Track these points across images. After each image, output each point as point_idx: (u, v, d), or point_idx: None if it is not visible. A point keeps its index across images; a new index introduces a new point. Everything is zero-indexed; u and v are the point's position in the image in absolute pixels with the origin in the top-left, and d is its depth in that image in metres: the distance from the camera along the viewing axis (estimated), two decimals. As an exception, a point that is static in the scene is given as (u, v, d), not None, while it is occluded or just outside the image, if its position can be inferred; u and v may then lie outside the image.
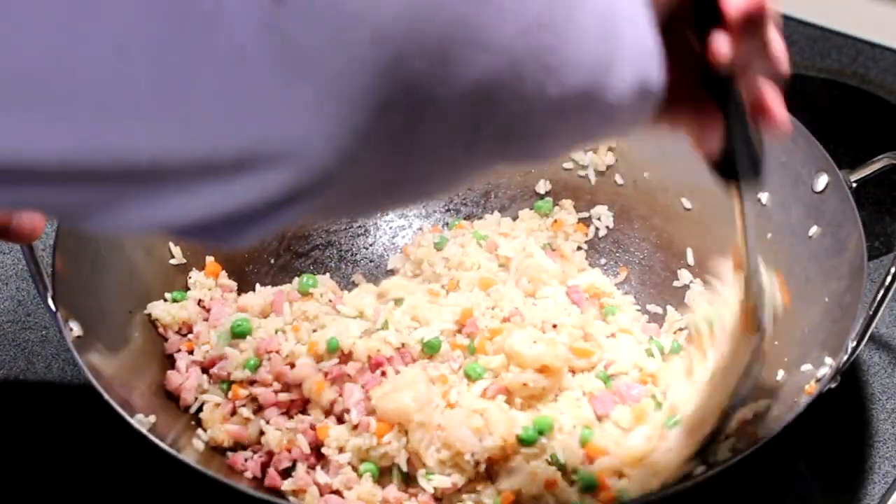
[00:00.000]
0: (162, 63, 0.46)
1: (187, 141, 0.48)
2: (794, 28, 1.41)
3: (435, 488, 0.91)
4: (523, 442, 0.92)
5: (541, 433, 0.93)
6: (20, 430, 1.02)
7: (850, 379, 1.06)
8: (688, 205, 1.11)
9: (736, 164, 0.72)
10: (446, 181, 0.60)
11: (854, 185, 1.01)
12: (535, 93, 0.56)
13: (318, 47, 0.47)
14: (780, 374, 0.96)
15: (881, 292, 0.91)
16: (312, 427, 0.95)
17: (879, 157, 1.01)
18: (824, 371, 0.91)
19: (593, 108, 0.59)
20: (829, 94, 1.33)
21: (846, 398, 1.05)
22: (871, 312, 0.91)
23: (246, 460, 0.95)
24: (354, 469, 0.93)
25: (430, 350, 0.97)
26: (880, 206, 1.20)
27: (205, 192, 0.49)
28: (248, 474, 0.94)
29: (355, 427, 0.93)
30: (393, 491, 0.92)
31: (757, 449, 0.87)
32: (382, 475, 0.94)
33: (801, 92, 1.32)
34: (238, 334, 0.99)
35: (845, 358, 0.91)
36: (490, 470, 0.93)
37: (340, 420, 0.95)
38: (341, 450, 0.93)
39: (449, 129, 0.54)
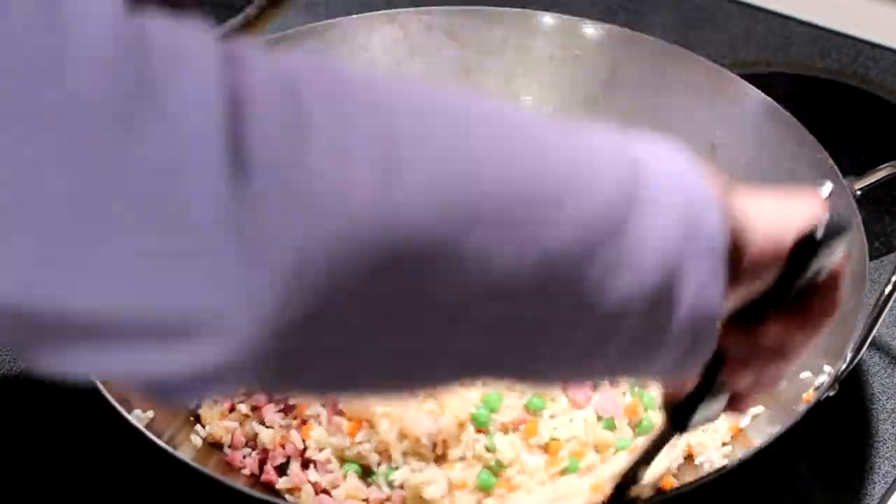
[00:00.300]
0: (115, 224, 0.46)
1: (118, 303, 0.47)
2: (794, 28, 1.41)
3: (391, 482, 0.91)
4: (476, 420, 0.92)
5: (492, 411, 0.93)
6: (19, 429, 1.02)
7: (851, 380, 1.06)
8: None
9: (687, 422, 0.73)
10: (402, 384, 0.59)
11: (859, 193, 1.01)
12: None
13: (274, 234, 0.47)
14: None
15: (881, 301, 0.91)
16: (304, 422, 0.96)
17: (882, 166, 1.01)
18: (822, 379, 0.91)
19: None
20: (829, 94, 1.33)
21: (847, 399, 1.04)
22: (870, 321, 0.91)
23: (244, 457, 0.95)
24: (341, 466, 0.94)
25: None
26: (880, 206, 1.19)
27: (129, 354, 0.48)
28: (246, 471, 0.94)
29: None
30: (375, 490, 0.92)
31: (756, 452, 0.87)
32: (369, 472, 0.94)
33: (801, 92, 1.32)
34: None
35: (843, 366, 0.91)
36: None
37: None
38: (321, 450, 0.94)
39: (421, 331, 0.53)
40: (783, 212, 0.64)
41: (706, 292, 0.57)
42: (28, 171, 0.45)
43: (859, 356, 0.91)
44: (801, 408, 0.89)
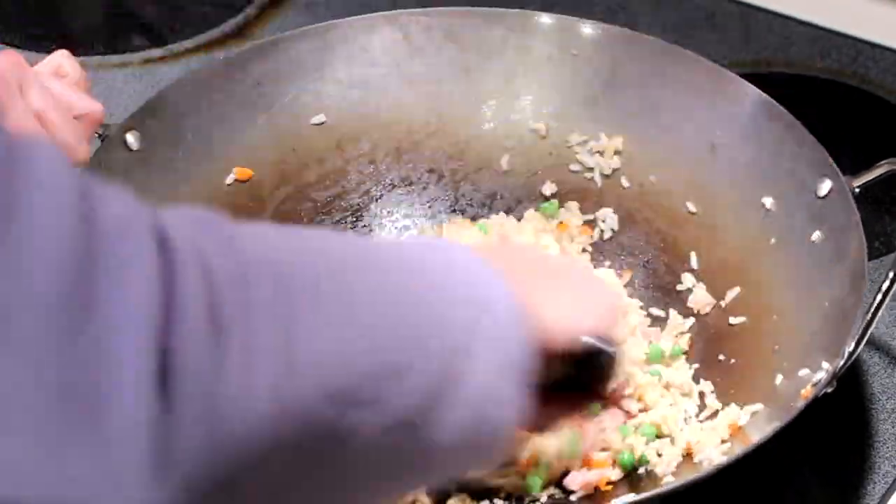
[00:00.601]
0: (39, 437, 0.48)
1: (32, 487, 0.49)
2: (794, 28, 1.41)
3: None
4: None
5: None
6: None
7: (850, 380, 1.06)
8: (693, 208, 1.11)
9: None
10: None
11: (857, 190, 1.01)
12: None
13: (186, 448, 0.50)
14: (779, 379, 0.96)
15: (878, 297, 0.91)
16: None
17: (881, 163, 1.01)
18: (821, 375, 0.91)
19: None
20: (829, 94, 1.33)
21: (846, 399, 1.04)
22: (868, 317, 0.91)
23: None
24: None
25: None
26: (880, 206, 1.20)
27: None
28: None
29: None
30: None
31: (756, 448, 0.87)
32: None
33: (801, 92, 1.33)
34: None
35: (842, 363, 0.91)
36: None
37: None
38: None
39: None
40: (573, 315, 0.73)
41: (511, 408, 0.65)
42: None
43: (857, 352, 0.91)
44: (800, 404, 0.89)
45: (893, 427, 1.03)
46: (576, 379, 0.74)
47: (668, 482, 0.92)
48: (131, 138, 1.05)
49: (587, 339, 0.73)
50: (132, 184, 1.01)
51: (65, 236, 0.48)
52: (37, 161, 0.49)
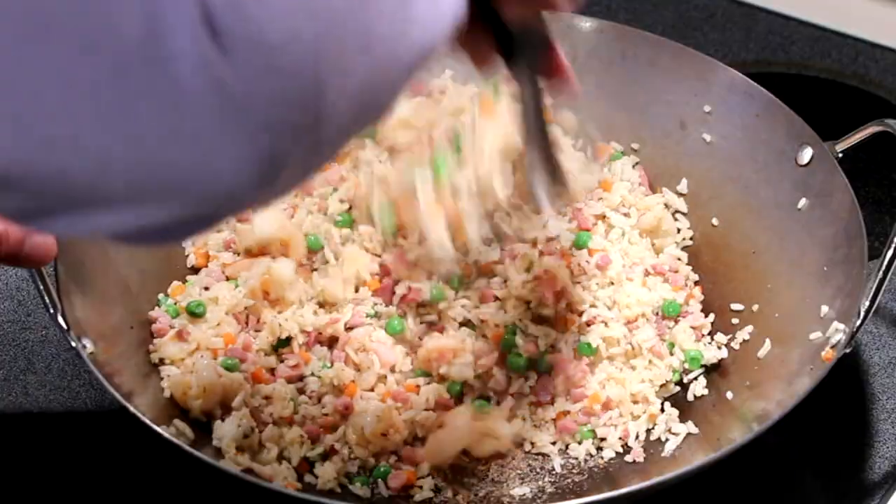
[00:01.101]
0: (104, 97, 0.49)
1: (118, 169, 0.51)
2: (794, 28, 1.41)
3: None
4: None
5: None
6: (20, 431, 1.02)
7: (850, 379, 1.06)
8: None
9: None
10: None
11: (840, 155, 1.02)
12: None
13: (251, 92, 0.51)
14: (787, 347, 0.97)
15: (890, 252, 0.92)
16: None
17: (866, 124, 1.02)
18: (839, 337, 0.92)
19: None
20: (829, 93, 1.34)
21: (846, 398, 1.05)
22: (880, 275, 0.92)
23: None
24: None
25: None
26: (881, 206, 1.20)
27: (126, 212, 0.53)
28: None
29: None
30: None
31: (756, 449, 0.87)
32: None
33: (801, 92, 1.33)
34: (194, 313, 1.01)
35: (858, 322, 0.92)
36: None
37: None
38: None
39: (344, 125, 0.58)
40: None
41: None
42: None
43: (872, 309, 0.92)
44: (824, 367, 0.90)
45: (893, 427, 1.03)
46: None
47: (681, 467, 0.91)
48: None
49: None
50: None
51: None
52: None
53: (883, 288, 0.93)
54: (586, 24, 1.17)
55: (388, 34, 0.58)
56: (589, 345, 1.00)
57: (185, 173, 0.52)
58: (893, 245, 0.93)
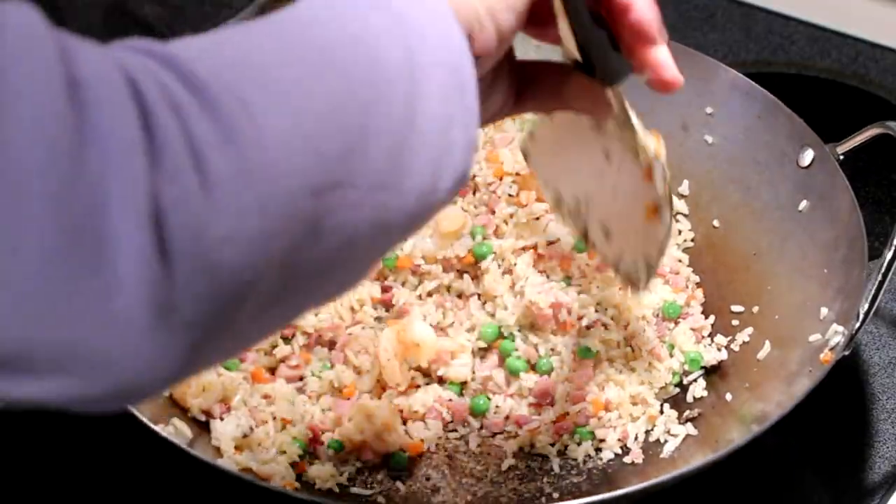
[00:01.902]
0: (48, 274, 0.50)
1: (40, 342, 0.51)
2: (794, 28, 1.41)
3: None
4: None
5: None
6: (17, 430, 1.02)
7: (850, 379, 1.06)
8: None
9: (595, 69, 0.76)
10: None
11: (842, 157, 1.02)
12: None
13: (185, 294, 0.52)
14: (786, 349, 0.97)
15: (890, 254, 0.92)
16: None
17: (867, 126, 1.02)
18: (837, 340, 0.91)
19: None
20: (829, 93, 1.33)
21: (846, 398, 1.04)
22: (880, 278, 0.92)
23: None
24: None
25: None
26: (881, 206, 1.20)
27: (50, 382, 0.53)
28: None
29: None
30: None
31: (756, 449, 0.87)
32: None
33: (801, 92, 1.32)
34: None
35: (857, 325, 0.92)
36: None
37: None
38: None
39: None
40: None
41: (470, 126, 0.66)
42: None
43: (871, 312, 0.92)
44: (822, 369, 0.90)
45: (893, 427, 1.03)
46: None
47: (679, 468, 0.91)
48: None
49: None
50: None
51: (48, 100, 0.50)
52: (12, 26, 0.51)
53: (882, 292, 0.92)
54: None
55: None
56: (588, 349, 1.00)
57: (107, 356, 0.52)
58: (893, 248, 0.93)
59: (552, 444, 0.98)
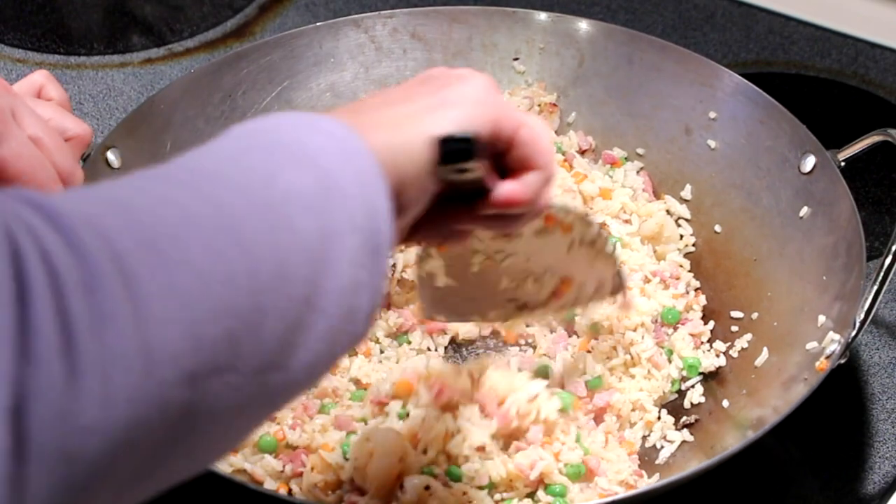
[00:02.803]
0: None
1: None
2: (794, 28, 1.41)
3: None
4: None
5: None
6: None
7: (851, 379, 1.06)
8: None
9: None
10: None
11: (843, 163, 1.02)
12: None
13: (40, 486, 0.49)
14: (784, 355, 0.97)
15: (888, 260, 0.92)
16: None
17: (869, 133, 1.02)
18: (833, 348, 0.91)
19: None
20: (829, 94, 1.33)
21: (846, 398, 1.04)
22: (877, 287, 0.92)
23: None
24: None
25: None
26: (880, 206, 1.20)
27: None
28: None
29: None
30: None
31: (756, 449, 0.87)
32: None
33: (801, 92, 1.32)
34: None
35: (853, 333, 0.91)
36: None
37: None
38: None
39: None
40: (428, 120, 0.69)
41: (378, 289, 0.63)
42: None
43: (868, 321, 0.92)
44: (818, 377, 0.90)
45: (893, 427, 1.03)
46: (443, 182, 0.70)
47: (674, 474, 0.92)
48: (112, 156, 1.05)
49: (442, 135, 0.68)
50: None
51: None
52: None
53: (878, 300, 0.92)
54: (593, 27, 1.17)
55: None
56: (600, 378, 0.99)
57: None
58: (890, 255, 0.92)
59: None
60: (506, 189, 0.73)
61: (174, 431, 0.54)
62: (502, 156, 0.74)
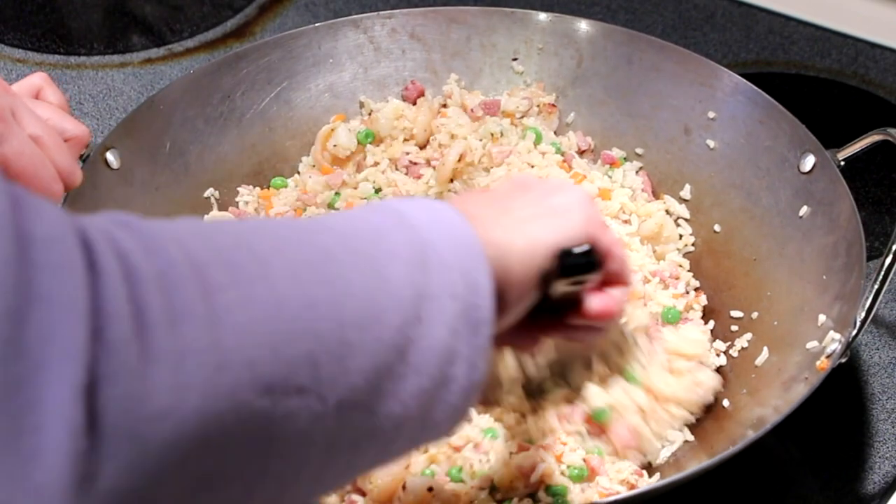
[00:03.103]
0: None
1: None
2: (794, 28, 1.41)
3: None
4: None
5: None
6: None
7: (851, 379, 1.06)
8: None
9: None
10: None
11: (843, 163, 1.02)
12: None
13: (110, 469, 0.50)
14: (784, 354, 0.97)
15: (888, 259, 0.92)
16: None
17: (868, 133, 1.02)
18: (834, 347, 0.91)
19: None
20: (829, 94, 1.33)
21: (846, 398, 1.05)
22: (877, 286, 0.92)
23: None
24: None
25: None
26: (880, 206, 1.20)
27: None
28: None
29: None
30: None
31: (756, 449, 0.87)
32: None
33: (801, 92, 1.33)
34: None
35: (854, 332, 0.91)
36: None
37: None
38: None
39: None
40: (535, 231, 0.71)
41: (477, 366, 0.63)
42: None
43: (868, 320, 0.92)
44: (818, 376, 0.90)
45: (893, 427, 1.03)
46: (552, 294, 0.72)
47: (674, 475, 0.92)
48: (111, 157, 1.05)
49: (552, 252, 0.70)
50: (115, 202, 1.02)
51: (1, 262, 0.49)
52: None
53: (879, 300, 0.92)
54: (592, 27, 1.17)
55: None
56: (604, 411, 0.98)
57: None
58: (891, 255, 0.92)
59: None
60: (600, 302, 0.75)
61: (249, 443, 0.55)
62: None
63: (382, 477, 0.89)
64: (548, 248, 0.70)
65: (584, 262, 0.72)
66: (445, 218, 0.66)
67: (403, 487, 0.89)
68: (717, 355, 1.03)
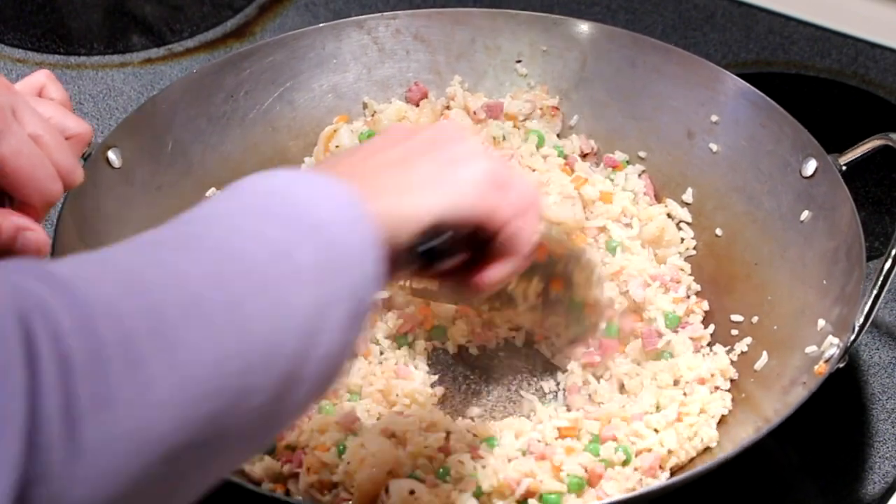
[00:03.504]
0: None
1: None
2: (794, 28, 1.41)
3: None
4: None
5: None
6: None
7: (850, 379, 1.06)
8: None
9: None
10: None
11: (844, 168, 1.02)
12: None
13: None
14: (783, 358, 0.97)
15: (887, 264, 0.92)
16: None
17: (870, 137, 1.02)
18: (832, 352, 0.92)
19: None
20: (829, 94, 1.34)
21: (846, 398, 1.05)
22: (876, 291, 0.92)
23: None
24: None
25: None
26: (880, 206, 1.20)
27: None
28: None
29: None
30: None
31: (756, 450, 0.87)
32: None
33: (801, 92, 1.33)
34: None
35: (852, 337, 0.92)
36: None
37: None
38: None
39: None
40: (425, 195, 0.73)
41: (355, 341, 0.66)
42: None
43: (867, 325, 0.92)
44: (816, 380, 0.90)
45: (893, 427, 1.03)
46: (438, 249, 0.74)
47: (675, 476, 0.92)
48: (112, 156, 1.05)
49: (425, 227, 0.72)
50: (116, 201, 1.02)
51: None
52: None
53: (877, 305, 0.92)
54: (595, 29, 1.17)
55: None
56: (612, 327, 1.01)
57: None
58: (890, 259, 0.92)
59: None
60: (479, 278, 0.78)
61: (159, 496, 0.59)
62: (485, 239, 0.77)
63: (363, 480, 0.90)
64: (431, 217, 0.72)
65: (437, 251, 0.74)
66: (344, 202, 0.67)
67: (386, 491, 0.89)
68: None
